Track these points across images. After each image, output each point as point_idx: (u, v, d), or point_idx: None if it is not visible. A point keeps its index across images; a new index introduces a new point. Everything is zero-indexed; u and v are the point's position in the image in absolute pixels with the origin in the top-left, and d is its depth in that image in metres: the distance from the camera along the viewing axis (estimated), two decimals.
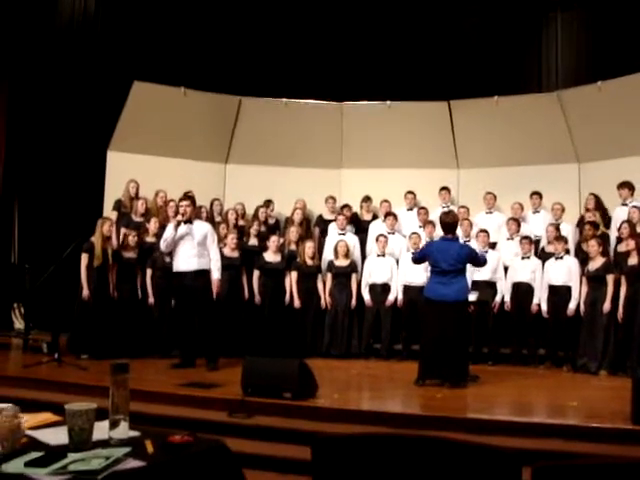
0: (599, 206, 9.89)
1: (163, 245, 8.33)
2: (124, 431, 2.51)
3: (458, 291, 7.38)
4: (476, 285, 9.26)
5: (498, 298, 9.48)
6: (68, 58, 12.08)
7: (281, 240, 9.94)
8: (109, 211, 10.32)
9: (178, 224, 8.13)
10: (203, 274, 8.21)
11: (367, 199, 11.07)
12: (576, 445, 5.05)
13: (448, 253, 7.44)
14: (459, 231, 9.83)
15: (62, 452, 2.29)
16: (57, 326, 8.53)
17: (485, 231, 9.75)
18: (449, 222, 7.68)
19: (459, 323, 7.35)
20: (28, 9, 11.99)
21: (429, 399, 6.58)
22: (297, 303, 9.66)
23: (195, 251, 8.17)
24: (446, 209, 9.60)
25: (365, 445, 2.19)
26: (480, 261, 7.88)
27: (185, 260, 8.19)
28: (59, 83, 11.98)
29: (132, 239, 9.31)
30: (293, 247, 10.02)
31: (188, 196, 8.64)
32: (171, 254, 8.47)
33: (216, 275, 8.28)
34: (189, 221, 8.22)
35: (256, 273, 9.66)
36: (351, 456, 2.18)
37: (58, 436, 2.52)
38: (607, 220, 9.81)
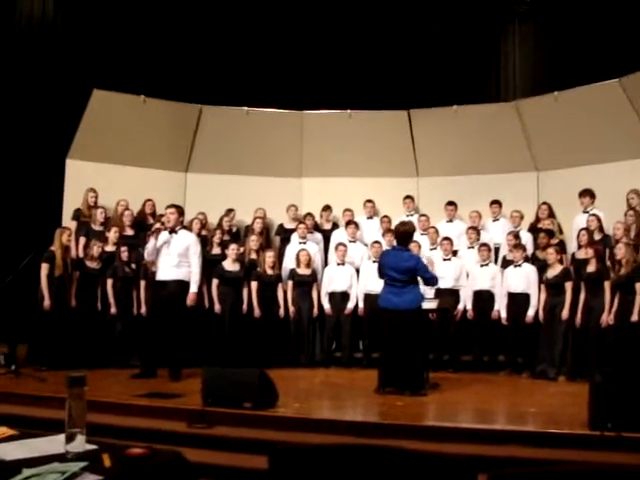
0: (552, 214, 10.04)
1: (145, 254, 8.31)
2: (81, 445, 2.47)
3: (411, 301, 7.42)
4: (439, 293, 9.33)
5: (461, 306, 9.56)
6: (26, 65, 11.95)
7: (241, 249, 9.90)
8: (68, 220, 10.22)
9: (157, 231, 8.08)
10: (180, 285, 8.13)
11: (327, 208, 11.11)
12: (534, 451, 5.10)
13: (398, 263, 7.50)
14: (425, 240, 9.94)
15: (17, 467, 2.25)
16: (14, 337, 8.42)
17: (448, 239, 9.84)
18: (405, 232, 7.74)
19: (414, 332, 7.38)
20: None
21: (389, 407, 6.60)
22: (257, 312, 9.63)
23: (175, 261, 8.12)
24: (405, 219, 9.67)
25: (321, 455, 2.20)
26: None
27: (164, 269, 8.14)
28: (16, 90, 11.84)
29: (97, 249, 9.23)
30: (253, 256, 9.97)
31: (174, 205, 8.57)
32: (137, 264, 8.42)
33: (193, 288, 8.19)
34: (173, 230, 8.17)
35: (215, 282, 9.60)
36: (308, 466, 2.18)
37: (13, 451, 2.49)
38: (558, 228, 9.95)
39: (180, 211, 8.51)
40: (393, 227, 9.95)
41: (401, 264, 7.50)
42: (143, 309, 9.19)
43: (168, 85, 12.32)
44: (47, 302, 8.69)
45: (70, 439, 2.46)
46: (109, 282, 9.24)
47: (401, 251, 7.70)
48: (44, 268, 8.77)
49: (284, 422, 5.82)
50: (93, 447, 2.54)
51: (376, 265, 8.16)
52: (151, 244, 8.09)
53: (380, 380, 7.39)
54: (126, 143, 11.18)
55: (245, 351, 9.23)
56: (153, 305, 8.49)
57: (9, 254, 10.39)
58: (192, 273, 8.21)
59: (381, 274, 7.83)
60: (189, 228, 9.72)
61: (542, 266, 9.10)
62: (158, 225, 8.19)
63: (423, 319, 7.81)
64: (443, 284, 9.47)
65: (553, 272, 8.81)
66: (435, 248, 9.99)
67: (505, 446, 5.21)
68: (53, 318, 8.74)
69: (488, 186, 10.87)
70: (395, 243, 8.10)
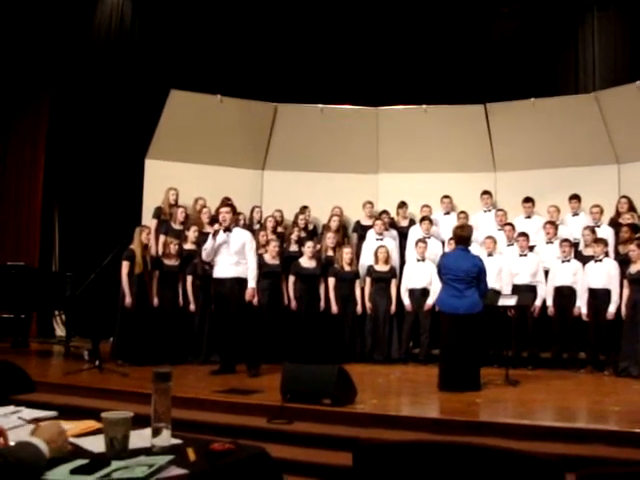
0: (632, 208, 9.79)
1: (204, 254, 8.36)
2: (166, 439, 2.52)
3: (472, 304, 7.37)
4: (516, 289, 9.21)
5: (538, 302, 9.40)
6: (106, 69, 12.26)
7: (317, 246, 9.94)
8: (148, 219, 10.40)
9: (216, 233, 8.17)
10: (240, 282, 8.18)
11: (402, 205, 11.06)
12: (619, 451, 4.98)
13: (462, 264, 7.45)
14: (502, 236, 9.82)
15: (106, 460, 2.31)
16: (98, 333, 8.61)
17: (524, 234, 9.68)
18: (465, 236, 7.68)
19: (473, 336, 7.34)
20: (66, 22, 12.17)
21: (469, 404, 6.53)
22: (334, 309, 9.66)
23: (233, 259, 8.18)
24: (461, 222, 9.56)
25: (406, 453, 2.19)
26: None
27: (223, 268, 8.20)
28: (98, 93, 12.16)
29: (173, 247, 9.35)
30: (330, 253, 10.01)
31: (228, 204, 8.67)
32: (210, 262, 8.52)
33: (251, 284, 8.22)
34: (228, 229, 8.25)
35: (291, 279, 9.67)
36: (392, 463, 2.18)
37: (101, 444, 2.54)
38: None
39: (234, 210, 8.58)
40: (471, 223, 9.90)
41: (464, 265, 7.44)
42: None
43: (244, 84, 12.44)
44: (128, 299, 8.85)
45: (156, 433, 2.51)
46: (189, 279, 9.38)
47: (464, 252, 7.64)
48: (124, 266, 8.92)
49: (363, 418, 5.82)
50: (178, 441, 2.59)
51: None
52: (210, 244, 8.15)
53: (440, 380, 7.41)
54: (203, 142, 11.34)
55: (322, 347, 9.26)
56: (215, 303, 8.55)
57: (92, 252, 10.67)
58: (249, 269, 8.24)
59: (441, 276, 7.78)
60: (248, 226, 9.82)
61: (624, 261, 8.88)
62: (216, 226, 8.24)
63: (482, 323, 7.69)
64: (519, 280, 9.40)
65: (636, 267, 8.57)
66: (512, 244, 9.85)
67: (588, 445, 5.10)
68: (134, 315, 8.91)
69: (567, 180, 10.64)
70: (454, 244, 8.03)
